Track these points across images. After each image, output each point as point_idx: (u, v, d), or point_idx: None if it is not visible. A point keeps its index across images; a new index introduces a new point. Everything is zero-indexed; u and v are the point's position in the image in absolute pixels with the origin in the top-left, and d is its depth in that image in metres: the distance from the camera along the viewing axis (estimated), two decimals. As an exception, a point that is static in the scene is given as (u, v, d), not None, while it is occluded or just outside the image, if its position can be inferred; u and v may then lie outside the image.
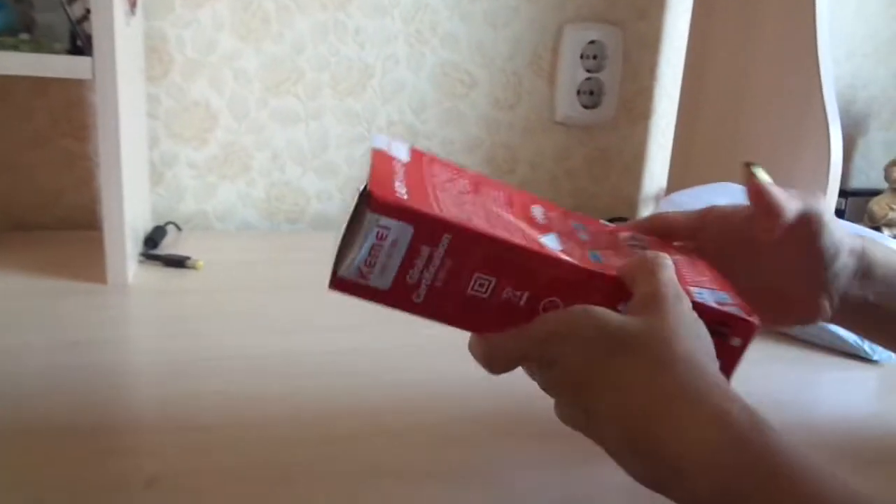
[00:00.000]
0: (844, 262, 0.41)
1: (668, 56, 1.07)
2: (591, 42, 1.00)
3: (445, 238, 0.33)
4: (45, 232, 0.84)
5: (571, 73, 1.00)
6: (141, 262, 0.76)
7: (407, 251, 0.33)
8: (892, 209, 1.05)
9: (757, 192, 0.38)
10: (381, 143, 0.37)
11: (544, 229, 0.37)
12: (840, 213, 1.11)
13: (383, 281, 0.33)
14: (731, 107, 0.94)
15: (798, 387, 0.60)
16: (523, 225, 0.36)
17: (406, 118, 0.96)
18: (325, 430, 0.47)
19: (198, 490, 0.41)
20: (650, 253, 0.36)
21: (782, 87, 0.87)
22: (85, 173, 0.86)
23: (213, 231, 0.92)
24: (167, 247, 0.81)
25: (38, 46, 0.67)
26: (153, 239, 0.79)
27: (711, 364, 0.32)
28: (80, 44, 0.66)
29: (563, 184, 1.05)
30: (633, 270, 0.35)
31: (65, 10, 0.65)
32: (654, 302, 0.33)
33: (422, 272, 0.33)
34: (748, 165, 0.39)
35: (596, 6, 1.01)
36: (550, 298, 0.34)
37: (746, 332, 0.35)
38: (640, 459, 0.31)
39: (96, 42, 0.62)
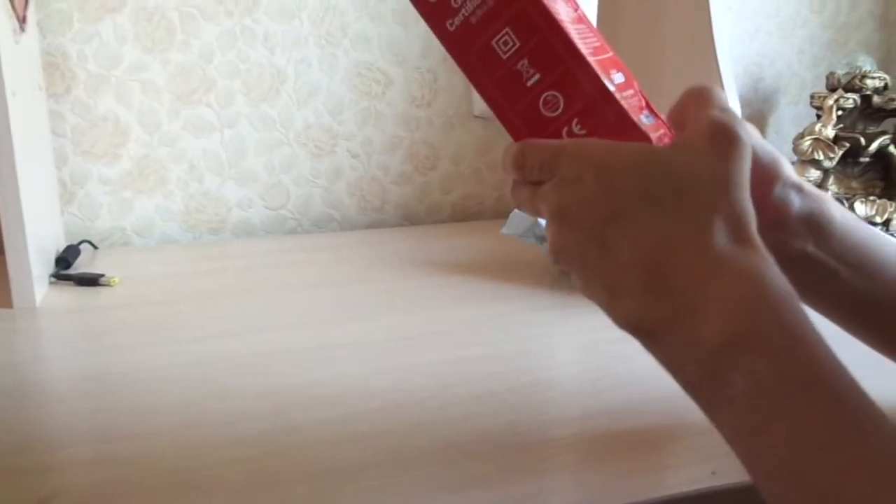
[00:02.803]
0: (788, 186, 0.38)
1: (580, 45, 1.09)
2: (502, 35, 1.01)
3: None
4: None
5: (485, 67, 1.01)
6: (52, 283, 0.74)
7: None
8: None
9: None
10: None
11: (607, 78, 0.36)
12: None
13: None
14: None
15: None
16: (592, 56, 0.35)
17: (323, 120, 0.96)
18: (232, 433, 0.47)
19: (91, 503, 0.40)
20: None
21: (684, 73, 0.90)
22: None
23: (131, 247, 0.91)
24: (82, 266, 0.79)
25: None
26: (66, 259, 0.77)
27: (754, 222, 0.31)
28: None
29: (486, 177, 1.06)
30: (685, 101, 0.34)
31: (-55, 29, 0.63)
32: (725, 139, 0.31)
33: (466, 0, 0.34)
34: None
35: (504, 0, 1.02)
36: (554, 93, 0.34)
37: None
38: (649, 298, 0.31)
39: (-20, 60, 0.61)
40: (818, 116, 1.10)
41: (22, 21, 0.70)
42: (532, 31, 0.34)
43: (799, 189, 0.38)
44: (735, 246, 0.30)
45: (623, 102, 0.35)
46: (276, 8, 0.91)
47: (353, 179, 0.99)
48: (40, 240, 0.72)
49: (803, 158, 1.09)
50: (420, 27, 0.98)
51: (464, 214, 1.06)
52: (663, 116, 0.40)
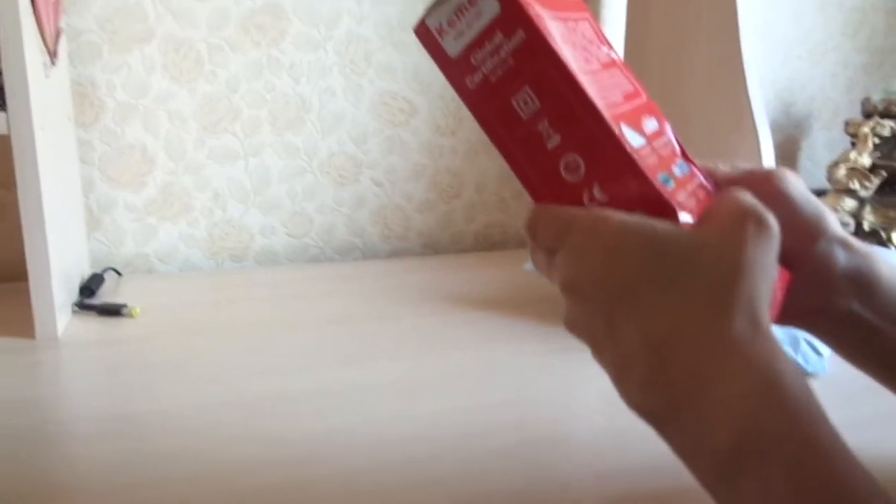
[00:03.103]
0: (832, 241, 0.37)
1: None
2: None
3: (519, 34, 0.33)
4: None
5: (510, 95, 1.00)
6: (75, 312, 0.74)
7: (484, 28, 0.33)
8: (836, 210, 1.07)
9: None
10: None
11: (637, 129, 0.35)
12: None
13: (454, 47, 0.34)
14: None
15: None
16: (619, 108, 0.34)
17: (347, 149, 0.96)
18: (246, 482, 0.46)
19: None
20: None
21: (713, 100, 0.88)
22: (18, 223, 0.85)
23: (155, 274, 0.91)
24: (106, 294, 0.80)
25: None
26: (89, 287, 0.78)
27: (768, 311, 0.30)
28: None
29: (510, 205, 1.05)
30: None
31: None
32: (743, 222, 0.30)
33: (486, 58, 0.33)
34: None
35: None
36: (575, 156, 0.33)
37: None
38: (654, 388, 0.29)
39: (10, 97, 0.62)
40: (853, 144, 1.07)
41: (53, 55, 0.71)
42: (552, 93, 0.33)
43: (845, 245, 0.37)
44: (748, 333, 0.29)
45: (649, 161, 0.34)
46: (302, 39, 0.91)
47: (377, 207, 0.99)
48: (65, 268, 0.73)
49: (838, 187, 1.06)
50: (445, 55, 0.98)
51: (487, 243, 1.05)
52: (698, 162, 0.38)
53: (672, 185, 0.34)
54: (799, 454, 0.27)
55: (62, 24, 0.78)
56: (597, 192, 0.33)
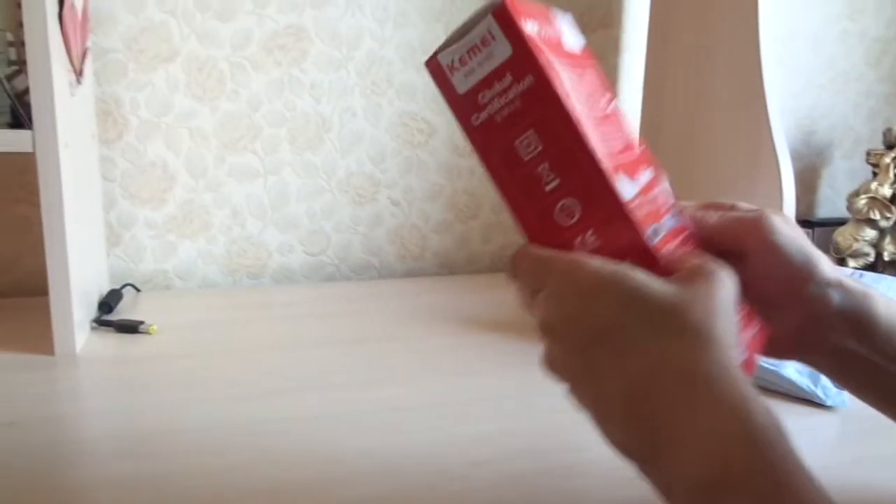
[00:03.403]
0: (825, 284, 0.38)
1: (626, 95, 1.08)
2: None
3: (528, 79, 0.33)
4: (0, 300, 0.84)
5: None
6: (94, 328, 0.75)
7: (495, 69, 0.34)
8: (856, 240, 1.06)
9: None
10: (564, 18, 0.38)
11: (634, 180, 0.36)
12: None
13: (463, 84, 0.35)
14: (686, 149, 0.95)
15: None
16: (619, 158, 0.35)
17: (366, 168, 0.97)
18: (265, 502, 0.46)
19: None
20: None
21: (734, 127, 0.88)
22: (41, 238, 0.86)
23: (173, 290, 0.92)
24: (124, 310, 0.80)
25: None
26: (108, 303, 0.78)
27: (735, 352, 0.32)
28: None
29: (527, 226, 1.05)
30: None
31: (3, 86, 0.65)
32: (702, 275, 0.32)
33: (493, 98, 0.34)
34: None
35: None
36: (572, 201, 0.34)
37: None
38: (632, 427, 0.31)
39: (36, 116, 0.62)
40: (874, 174, 1.06)
41: (79, 74, 0.72)
42: (556, 138, 0.34)
43: (839, 286, 0.38)
44: (720, 373, 0.30)
45: (641, 212, 0.35)
46: (324, 59, 0.92)
47: (394, 227, 0.99)
48: (84, 283, 0.73)
49: (858, 217, 1.05)
50: (465, 78, 0.98)
51: (503, 264, 1.05)
52: (690, 209, 0.40)
53: (661, 236, 0.35)
54: (770, 490, 0.27)
55: (89, 44, 0.79)
56: (589, 238, 0.34)
